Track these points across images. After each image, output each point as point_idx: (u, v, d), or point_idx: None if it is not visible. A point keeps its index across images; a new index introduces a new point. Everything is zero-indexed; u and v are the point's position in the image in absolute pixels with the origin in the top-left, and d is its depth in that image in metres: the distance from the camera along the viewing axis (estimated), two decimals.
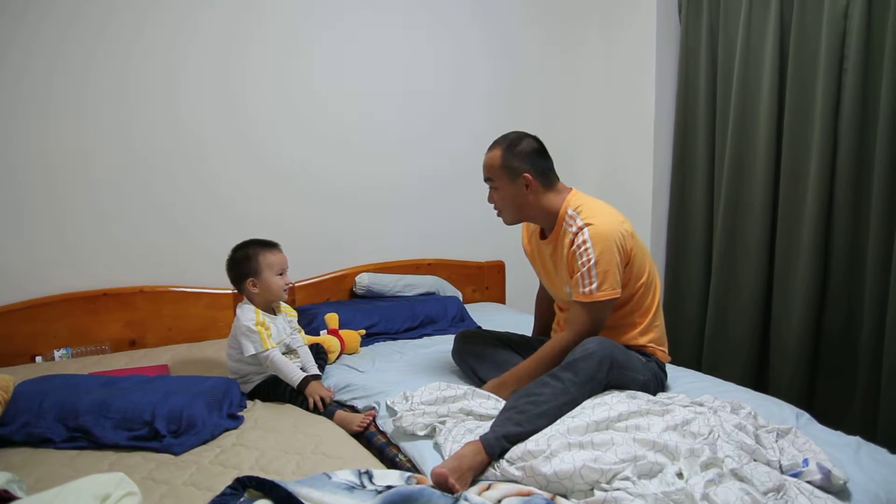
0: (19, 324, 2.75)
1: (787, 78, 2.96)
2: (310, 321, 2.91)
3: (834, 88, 2.80)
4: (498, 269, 3.77)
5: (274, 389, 2.34)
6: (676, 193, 3.55)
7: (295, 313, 2.57)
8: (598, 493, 1.55)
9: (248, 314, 2.33)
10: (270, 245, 2.42)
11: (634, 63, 3.63)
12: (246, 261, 2.37)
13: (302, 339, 2.53)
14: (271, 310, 2.44)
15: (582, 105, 3.92)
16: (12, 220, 2.75)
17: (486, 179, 2.23)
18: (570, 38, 3.86)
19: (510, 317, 3.21)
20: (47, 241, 2.81)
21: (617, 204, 2.25)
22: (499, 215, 2.28)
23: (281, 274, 2.38)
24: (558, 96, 3.86)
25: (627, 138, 3.73)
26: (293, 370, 2.30)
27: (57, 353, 2.79)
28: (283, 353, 2.38)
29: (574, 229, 2.11)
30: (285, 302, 2.50)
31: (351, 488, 1.54)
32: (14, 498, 1.36)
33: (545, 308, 2.55)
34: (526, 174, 2.16)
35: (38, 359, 2.77)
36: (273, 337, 2.33)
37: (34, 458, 1.86)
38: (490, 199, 2.26)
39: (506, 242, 3.68)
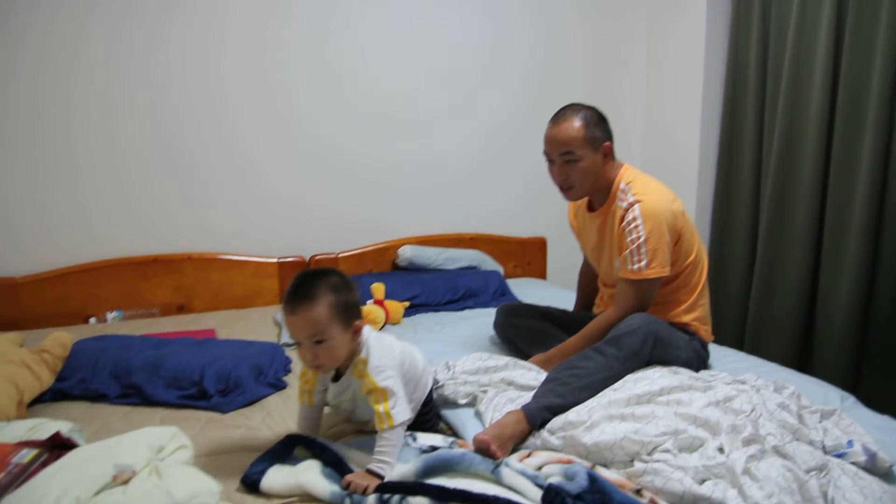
0: (74, 286, 2.84)
1: (843, 52, 2.87)
2: None
3: (892, 63, 2.70)
4: (539, 245, 3.77)
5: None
6: (723, 168, 3.49)
7: (372, 383, 1.59)
8: (637, 465, 1.55)
9: None
10: (289, 299, 1.54)
11: (682, 38, 3.56)
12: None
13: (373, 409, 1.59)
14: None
15: (625, 80, 3.86)
16: (68, 188, 2.84)
17: (564, 153, 2.10)
18: (614, 12, 3.79)
19: (551, 292, 3.21)
20: (101, 208, 2.90)
21: (661, 177, 2.22)
22: (567, 190, 2.17)
23: (299, 343, 1.56)
24: (600, 70, 3.80)
25: (673, 114, 3.67)
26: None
27: (109, 316, 2.89)
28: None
29: (625, 205, 2.10)
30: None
31: None
32: (75, 445, 1.42)
33: (588, 283, 2.55)
34: (606, 143, 2.13)
35: (92, 320, 2.86)
36: (315, 393, 1.69)
37: (91, 412, 1.94)
38: (561, 174, 2.14)
39: (548, 219, 3.68)
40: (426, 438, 1.65)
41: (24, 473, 1.26)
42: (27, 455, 1.31)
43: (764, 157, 3.28)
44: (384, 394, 1.56)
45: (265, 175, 3.16)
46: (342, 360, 1.59)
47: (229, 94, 3.04)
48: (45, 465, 1.30)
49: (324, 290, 1.53)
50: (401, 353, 1.69)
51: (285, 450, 1.54)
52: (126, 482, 1.25)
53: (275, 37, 3.08)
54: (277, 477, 1.47)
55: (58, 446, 1.39)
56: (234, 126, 3.07)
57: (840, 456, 1.64)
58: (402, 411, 1.57)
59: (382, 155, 3.37)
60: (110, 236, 2.92)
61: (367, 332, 1.64)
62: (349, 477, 1.46)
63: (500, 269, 3.49)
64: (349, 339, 1.57)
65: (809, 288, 3.09)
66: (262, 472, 1.47)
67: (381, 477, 1.48)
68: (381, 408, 1.55)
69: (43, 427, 1.51)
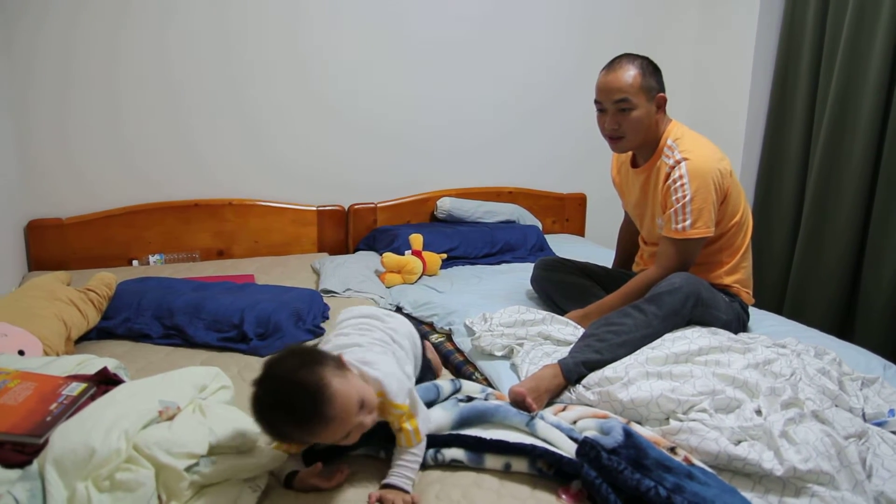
0: (118, 229, 2.90)
1: None
2: (391, 241, 2.97)
3: None
4: (579, 201, 3.72)
5: None
6: (772, 128, 3.38)
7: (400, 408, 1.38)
8: (673, 423, 1.55)
9: None
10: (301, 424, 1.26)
11: None
12: None
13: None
14: None
15: (675, 36, 3.73)
16: (112, 132, 2.87)
17: (619, 100, 2.04)
18: None
19: (590, 249, 3.19)
20: (144, 153, 2.93)
21: (706, 132, 2.17)
22: (617, 140, 2.12)
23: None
24: (648, 25, 3.68)
25: (723, 72, 3.57)
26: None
27: (151, 259, 2.94)
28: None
29: (671, 162, 2.05)
30: None
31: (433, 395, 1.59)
32: (121, 381, 1.46)
33: (628, 240, 2.51)
34: (661, 94, 2.08)
35: (135, 262, 2.92)
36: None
37: (134, 351, 2.00)
38: (613, 122, 2.08)
39: (588, 175, 3.63)
40: (467, 388, 1.66)
41: (75, 405, 1.30)
42: (76, 388, 1.35)
43: (816, 118, 3.17)
44: (411, 412, 1.38)
45: (307, 124, 3.15)
46: None
47: (268, 43, 3.02)
48: (93, 398, 1.34)
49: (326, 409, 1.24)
50: (393, 354, 1.52)
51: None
52: (171, 418, 1.29)
53: None
54: None
55: (105, 381, 1.43)
56: (275, 74, 3.06)
57: (880, 424, 1.63)
58: (425, 420, 1.42)
59: (423, 106, 3.34)
60: (153, 181, 2.96)
61: (363, 366, 1.39)
62: (377, 496, 1.30)
63: (539, 224, 3.46)
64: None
65: (855, 254, 3.01)
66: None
67: (406, 492, 1.32)
68: (408, 425, 1.37)
69: (90, 363, 1.56)
